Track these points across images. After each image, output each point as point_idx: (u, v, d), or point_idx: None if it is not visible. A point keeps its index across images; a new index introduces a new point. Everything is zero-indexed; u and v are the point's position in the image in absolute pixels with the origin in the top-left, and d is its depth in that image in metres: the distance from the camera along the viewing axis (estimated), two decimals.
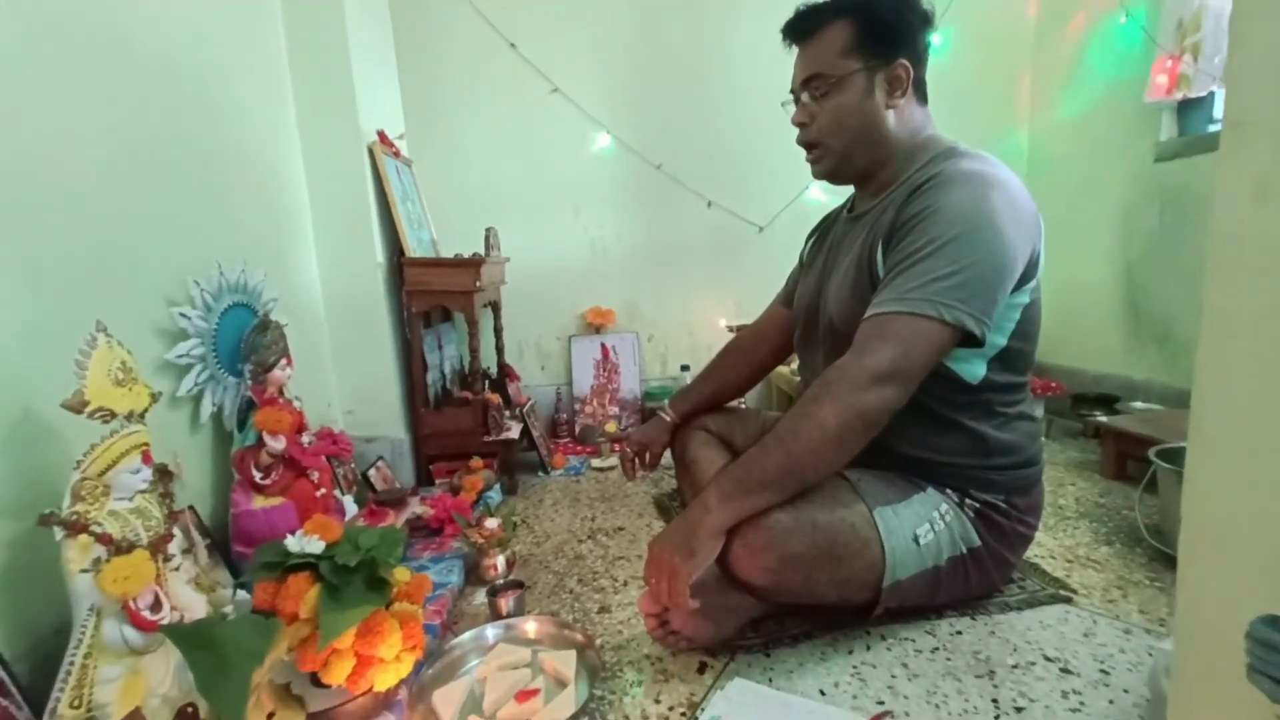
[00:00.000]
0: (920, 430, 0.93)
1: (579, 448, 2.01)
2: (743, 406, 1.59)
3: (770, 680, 0.85)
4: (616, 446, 1.86)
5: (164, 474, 0.77)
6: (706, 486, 0.86)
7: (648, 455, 1.31)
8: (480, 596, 1.12)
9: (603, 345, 2.16)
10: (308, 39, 1.43)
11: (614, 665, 0.91)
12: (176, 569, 0.76)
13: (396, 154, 1.65)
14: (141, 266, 0.94)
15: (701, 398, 1.31)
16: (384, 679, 0.74)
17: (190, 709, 0.73)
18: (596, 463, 1.82)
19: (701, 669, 0.89)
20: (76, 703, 0.62)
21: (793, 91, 1.01)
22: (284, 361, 1.07)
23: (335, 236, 1.49)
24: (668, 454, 1.32)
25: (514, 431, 1.66)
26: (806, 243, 1.24)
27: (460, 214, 1.98)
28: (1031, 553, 1.12)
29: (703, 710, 0.81)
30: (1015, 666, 0.85)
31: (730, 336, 2.01)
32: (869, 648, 0.91)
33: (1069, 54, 2.05)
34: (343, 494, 1.24)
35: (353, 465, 1.38)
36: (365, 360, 1.54)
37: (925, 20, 0.95)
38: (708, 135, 2.14)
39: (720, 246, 2.19)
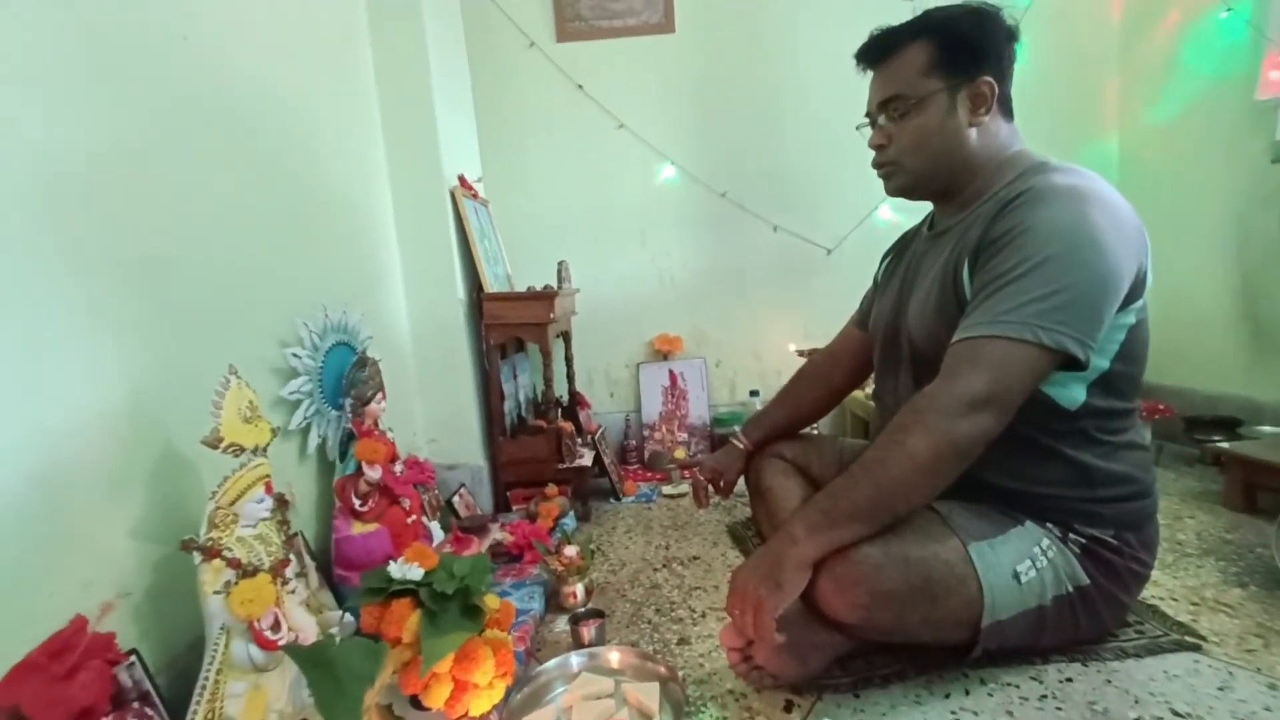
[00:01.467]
0: (1014, 460, 0.88)
1: (649, 474, 2.02)
2: (815, 433, 1.56)
3: None
4: (687, 473, 1.86)
5: (281, 503, 0.84)
6: (791, 517, 0.85)
7: (721, 483, 1.30)
8: (561, 624, 1.14)
9: (670, 372, 2.17)
10: (397, 93, 1.55)
11: (697, 699, 0.90)
12: (292, 591, 0.82)
13: (475, 195, 1.75)
14: (257, 310, 1.04)
15: (775, 424, 1.30)
16: (479, 705, 0.76)
17: None
18: (667, 490, 1.82)
19: (788, 707, 0.86)
20: (210, 716, 0.68)
21: (868, 114, 1.00)
22: (379, 395, 1.15)
23: (421, 275, 1.59)
24: (741, 482, 1.31)
25: (587, 459, 1.69)
26: (882, 263, 1.21)
27: (532, 248, 2.07)
28: (1148, 593, 1.03)
29: None
30: None
31: (799, 361, 1.98)
32: (968, 692, 0.86)
33: (1161, 55, 1.94)
34: (429, 520, 1.30)
35: (436, 492, 1.45)
36: (447, 391, 1.62)
37: (1010, 35, 0.92)
38: (772, 160, 2.14)
39: (787, 270, 2.18)
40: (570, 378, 1.99)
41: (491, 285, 1.65)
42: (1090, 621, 0.89)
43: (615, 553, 1.44)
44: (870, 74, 0.99)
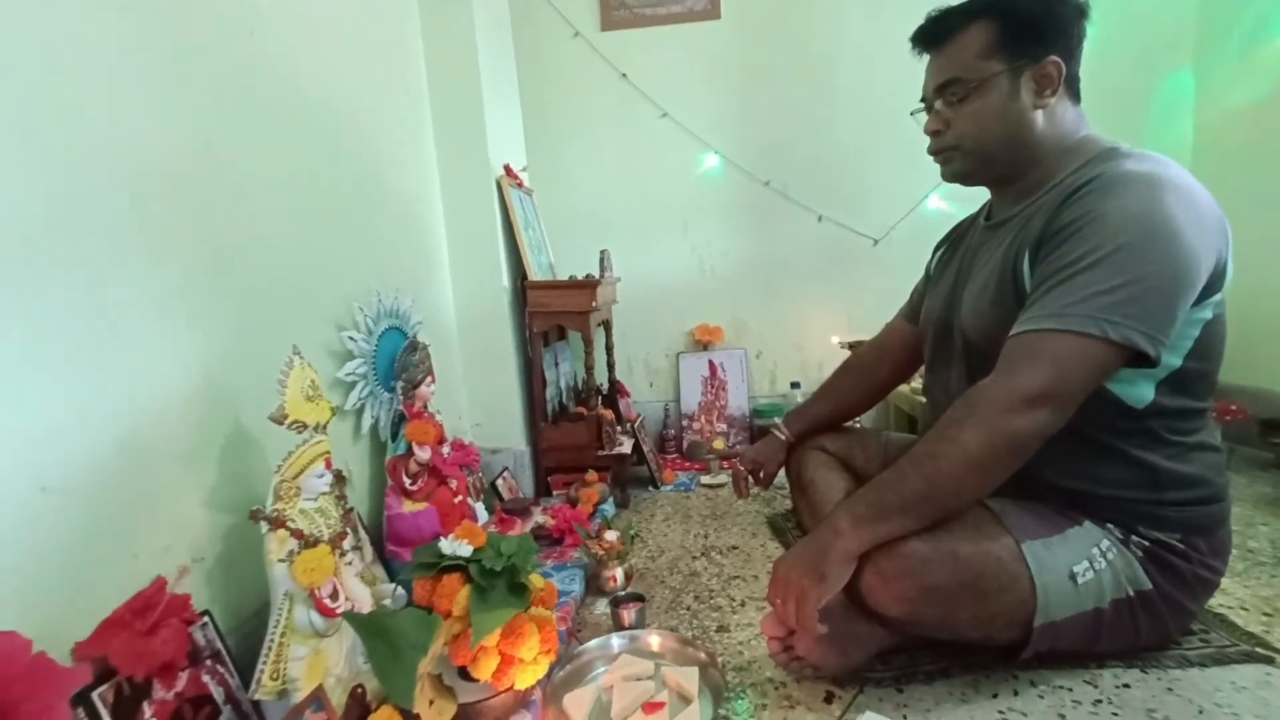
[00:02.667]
0: (1075, 458, 0.85)
1: (687, 464, 2.02)
2: (859, 426, 1.54)
3: (904, 717, 0.81)
4: (726, 464, 1.86)
5: (340, 479, 0.88)
6: (836, 509, 0.84)
7: (761, 474, 1.29)
8: (600, 606, 1.16)
9: (710, 362, 2.17)
10: (447, 85, 1.58)
11: (736, 686, 0.90)
12: (349, 563, 0.85)
13: (520, 185, 1.78)
14: (316, 295, 1.08)
15: (818, 416, 1.28)
16: (524, 678, 0.78)
17: (359, 689, 0.81)
18: (706, 479, 1.83)
19: (829, 699, 0.86)
20: (275, 675, 0.72)
21: (924, 99, 0.97)
22: (429, 379, 1.18)
23: (467, 263, 1.63)
24: (781, 474, 1.30)
25: (626, 446, 1.70)
26: (934, 254, 1.18)
27: (575, 237, 2.09)
28: (1216, 602, 0.98)
29: None
30: None
31: (842, 354, 1.95)
32: (1017, 693, 0.84)
33: (1244, 32, 1.81)
34: (474, 501, 1.33)
35: (480, 475, 1.48)
36: (491, 376, 1.66)
37: (1079, 11, 0.87)
38: (818, 148, 2.10)
39: (831, 261, 2.14)
40: (611, 366, 2.01)
41: (535, 273, 1.67)
42: (1152, 628, 0.86)
43: (654, 540, 1.45)
44: (926, 58, 0.96)
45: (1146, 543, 0.84)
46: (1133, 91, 1.97)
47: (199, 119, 0.85)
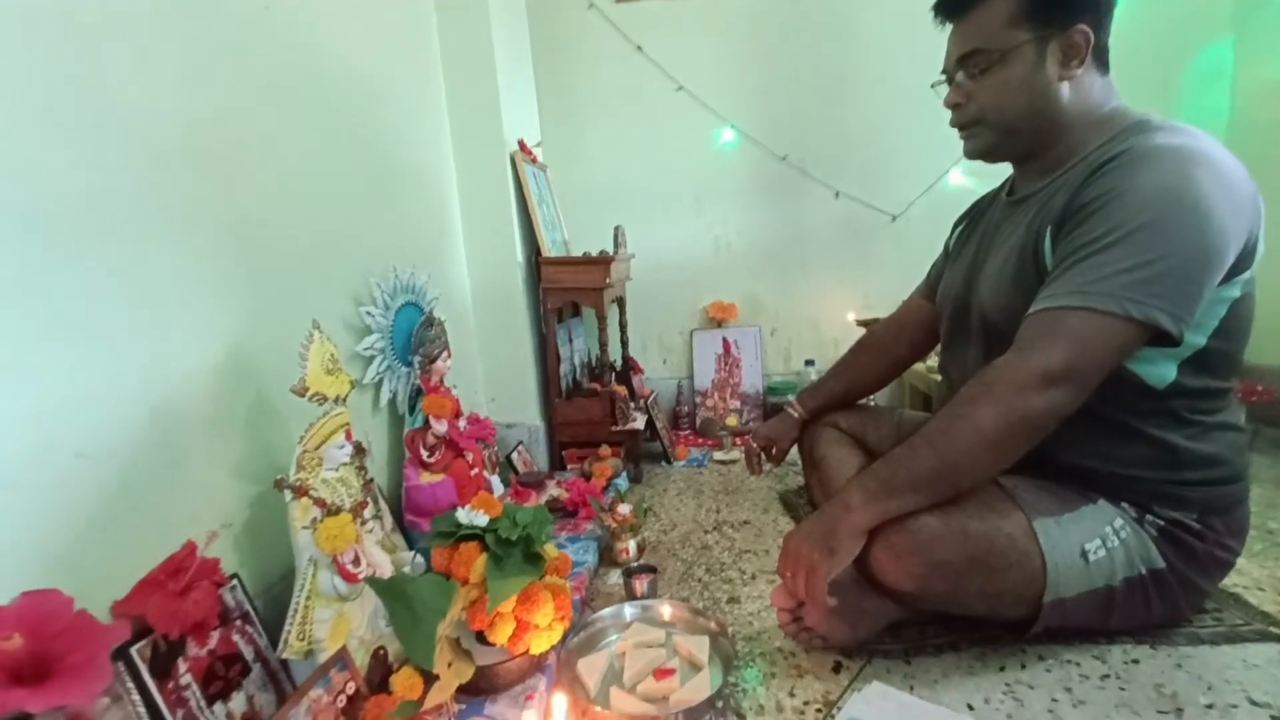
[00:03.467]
0: (1092, 438, 0.84)
1: (700, 440, 2.03)
2: (872, 404, 1.53)
3: (911, 688, 0.82)
4: (739, 440, 1.87)
5: (360, 450, 0.90)
6: (847, 484, 0.84)
7: (774, 450, 1.30)
8: (613, 577, 1.18)
9: (724, 339, 2.16)
10: (461, 60, 1.57)
11: (746, 655, 0.92)
12: (370, 531, 0.88)
13: (534, 160, 1.77)
14: (334, 270, 1.10)
15: (832, 394, 1.28)
16: (538, 644, 0.81)
17: (381, 651, 0.85)
18: (719, 455, 1.84)
19: (837, 668, 0.88)
20: (302, 636, 0.75)
21: (945, 71, 0.94)
22: (445, 354, 1.20)
23: (482, 239, 1.63)
24: (794, 451, 1.31)
25: (639, 422, 1.71)
26: (953, 230, 1.16)
27: (588, 213, 2.07)
28: (1231, 581, 0.97)
29: (839, 709, 0.80)
30: (1210, 707, 0.76)
31: (858, 331, 1.93)
32: (1024, 666, 0.85)
33: None
34: (489, 474, 1.36)
35: (495, 449, 1.51)
36: (506, 352, 1.67)
37: None
38: (836, 123, 2.06)
39: (848, 237, 2.11)
40: (624, 343, 2.02)
41: (549, 250, 1.67)
42: (1164, 606, 0.86)
43: (666, 514, 1.47)
44: (949, 28, 0.93)
45: (1161, 521, 0.83)
46: (1166, 61, 1.90)
47: (221, 95, 0.86)
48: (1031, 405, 0.74)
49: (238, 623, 0.75)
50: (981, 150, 0.94)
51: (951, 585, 0.81)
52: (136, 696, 0.63)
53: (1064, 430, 0.77)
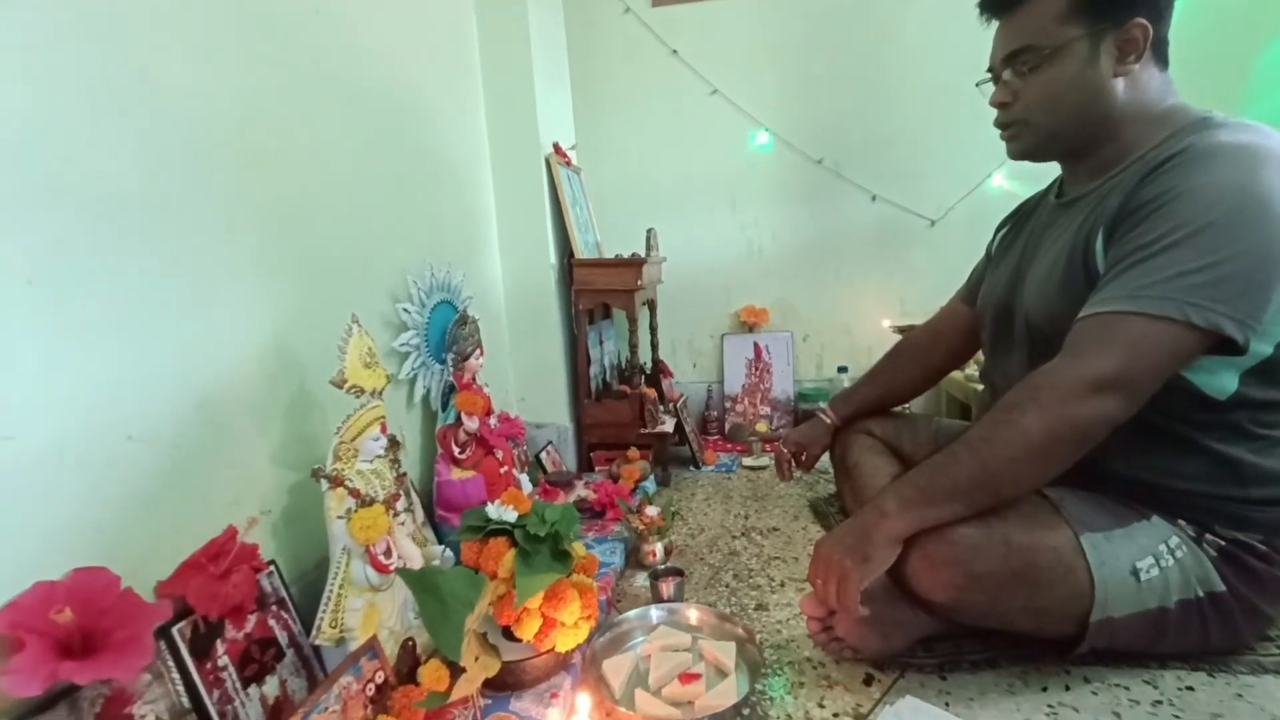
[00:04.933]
0: (1146, 450, 0.80)
1: (729, 445, 2.01)
2: (908, 411, 1.50)
3: (947, 705, 0.80)
4: (769, 447, 1.84)
5: (394, 443, 0.91)
6: (883, 490, 0.82)
7: (804, 456, 1.28)
8: (639, 579, 1.17)
9: (755, 344, 2.14)
10: (500, 63, 1.59)
11: (774, 663, 0.91)
12: (401, 523, 0.89)
13: (568, 163, 1.78)
14: (373, 266, 1.12)
15: (866, 400, 1.25)
16: (564, 641, 0.81)
17: (410, 642, 0.85)
18: (748, 461, 1.82)
19: (868, 681, 0.85)
20: (334, 624, 0.76)
21: (991, 69, 0.91)
22: (478, 352, 1.21)
23: (516, 240, 1.65)
24: (825, 458, 1.28)
25: (668, 425, 1.71)
26: (996, 233, 1.12)
27: (621, 215, 2.08)
28: None
29: None
30: None
31: (894, 338, 1.89)
32: (1068, 688, 0.81)
33: None
34: (519, 473, 1.37)
35: (525, 448, 1.52)
36: (537, 352, 1.69)
37: None
38: (874, 125, 2.03)
39: (885, 242, 2.07)
40: (654, 346, 2.01)
41: (582, 251, 1.68)
42: (1223, 631, 0.81)
43: (694, 518, 1.46)
44: (994, 25, 0.91)
45: (1223, 542, 0.79)
46: (1231, 56, 1.81)
47: (270, 94, 0.89)
48: (1080, 413, 0.71)
49: (274, 608, 0.77)
50: (1027, 151, 0.91)
51: (990, 599, 0.78)
52: (176, 675, 0.65)
53: (1115, 440, 0.74)
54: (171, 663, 0.64)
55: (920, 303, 1.98)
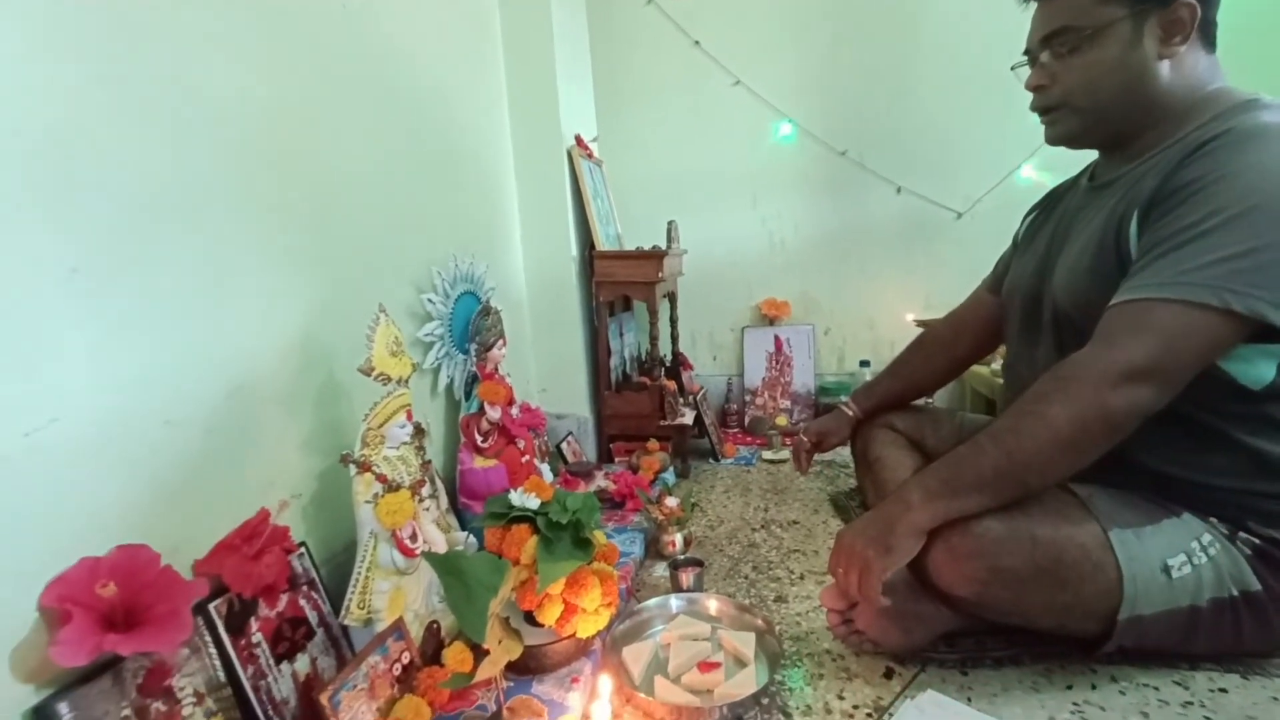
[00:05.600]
0: (1178, 443, 0.78)
1: (749, 439, 2.01)
2: (930, 404, 1.48)
3: (969, 701, 0.79)
4: (788, 440, 1.83)
5: (419, 431, 0.93)
6: (906, 481, 0.81)
7: (823, 445, 1.27)
8: (659, 569, 1.18)
9: (776, 337, 2.13)
10: (522, 57, 1.60)
11: (793, 654, 0.91)
12: (426, 509, 0.91)
13: (590, 155, 1.78)
14: (398, 257, 1.14)
15: (888, 393, 1.24)
16: (585, 627, 0.82)
17: (434, 625, 0.87)
18: (768, 455, 1.81)
19: (888, 674, 0.85)
20: (362, 605, 0.78)
21: (1027, 51, 0.89)
22: (501, 342, 1.23)
23: (537, 232, 1.66)
24: (842, 451, 1.27)
25: (688, 418, 1.71)
26: (1024, 220, 1.10)
27: (642, 206, 2.08)
28: None
29: (890, 715, 0.77)
30: None
31: (917, 332, 1.86)
32: (1095, 686, 0.80)
33: None
34: (540, 462, 1.38)
35: (546, 439, 1.53)
36: (558, 344, 1.70)
37: None
38: (900, 116, 1.99)
39: (909, 235, 2.04)
40: (674, 338, 2.01)
41: (603, 244, 1.69)
42: (1258, 632, 0.78)
43: (713, 510, 1.46)
44: (1031, 8, 0.88)
45: (1258, 540, 0.77)
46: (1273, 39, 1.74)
47: (299, 89, 0.91)
48: (1110, 403, 0.70)
49: (304, 588, 0.79)
50: (1065, 136, 0.89)
51: (1014, 594, 0.77)
52: (213, 650, 0.67)
53: (1145, 433, 0.72)
54: (208, 638, 0.67)
55: (945, 296, 1.94)
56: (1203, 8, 0.76)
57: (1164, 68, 0.79)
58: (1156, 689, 0.79)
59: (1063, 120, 0.87)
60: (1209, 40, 0.80)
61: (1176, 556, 0.76)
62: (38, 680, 0.56)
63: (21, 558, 0.55)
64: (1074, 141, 0.89)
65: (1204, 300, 0.67)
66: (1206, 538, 0.77)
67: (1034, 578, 0.76)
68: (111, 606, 0.58)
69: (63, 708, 0.55)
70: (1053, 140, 0.90)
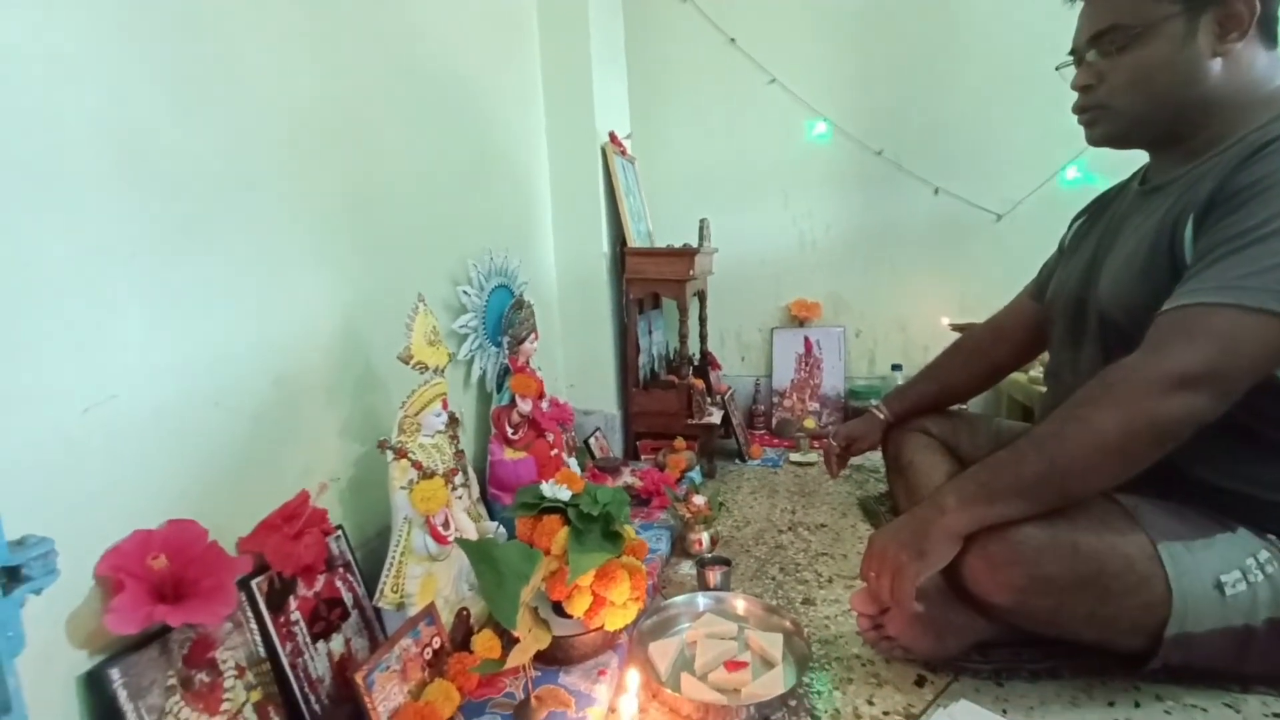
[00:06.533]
0: (1234, 456, 0.75)
1: (775, 441, 1.99)
2: (966, 411, 1.44)
3: (1004, 713, 0.77)
4: (817, 443, 1.81)
5: (453, 420, 0.94)
6: (941, 486, 0.80)
7: (853, 449, 1.25)
8: (685, 567, 1.18)
9: (806, 339, 2.10)
10: (559, 54, 1.61)
11: (821, 658, 0.90)
12: (459, 497, 0.92)
13: (623, 152, 1.79)
14: (434, 250, 1.16)
15: (922, 397, 1.21)
16: (613, 620, 0.82)
17: (464, 612, 0.88)
18: (795, 457, 1.79)
19: (920, 682, 0.83)
20: (395, 589, 0.80)
21: (1073, 51, 0.86)
22: (533, 336, 1.24)
23: (570, 228, 1.67)
24: (872, 455, 1.25)
25: (715, 417, 1.70)
26: (1071, 225, 1.07)
27: (673, 204, 2.07)
28: None
29: None
30: None
31: (952, 336, 1.82)
32: (1138, 705, 0.77)
33: None
34: (567, 457, 1.39)
35: (573, 434, 1.54)
36: (588, 340, 1.71)
37: None
38: (939, 114, 1.95)
39: (946, 237, 2.00)
40: (703, 337, 2.00)
41: (635, 240, 1.69)
42: None
43: (740, 510, 1.45)
44: (1078, 6, 0.86)
45: None
46: None
47: (340, 83, 0.93)
48: (1161, 410, 0.67)
49: (340, 570, 0.81)
50: (1108, 137, 0.86)
51: (1054, 604, 0.75)
52: (254, 626, 0.69)
53: (1199, 445, 0.69)
54: (250, 614, 0.69)
55: (981, 301, 1.89)
56: (1262, 3, 0.73)
57: (1218, 66, 0.76)
58: (1205, 710, 0.76)
59: (1107, 120, 0.84)
60: (1270, 36, 0.77)
61: (1231, 573, 0.73)
62: (91, 647, 0.58)
63: (79, 528, 0.57)
64: (1117, 142, 0.86)
65: (1264, 305, 0.65)
66: (1264, 555, 0.74)
67: (1075, 588, 0.73)
68: (161, 578, 0.60)
69: (114, 673, 0.57)
70: (1094, 141, 0.87)
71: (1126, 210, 0.90)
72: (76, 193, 0.58)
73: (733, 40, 2.04)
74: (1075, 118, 0.89)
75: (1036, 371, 1.65)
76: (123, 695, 0.56)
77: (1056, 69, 0.92)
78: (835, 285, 2.11)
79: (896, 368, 1.98)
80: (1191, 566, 0.73)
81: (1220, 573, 0.73)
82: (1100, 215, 0.98)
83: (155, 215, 0.65)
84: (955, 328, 1.86)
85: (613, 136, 1.72)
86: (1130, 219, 0.87)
